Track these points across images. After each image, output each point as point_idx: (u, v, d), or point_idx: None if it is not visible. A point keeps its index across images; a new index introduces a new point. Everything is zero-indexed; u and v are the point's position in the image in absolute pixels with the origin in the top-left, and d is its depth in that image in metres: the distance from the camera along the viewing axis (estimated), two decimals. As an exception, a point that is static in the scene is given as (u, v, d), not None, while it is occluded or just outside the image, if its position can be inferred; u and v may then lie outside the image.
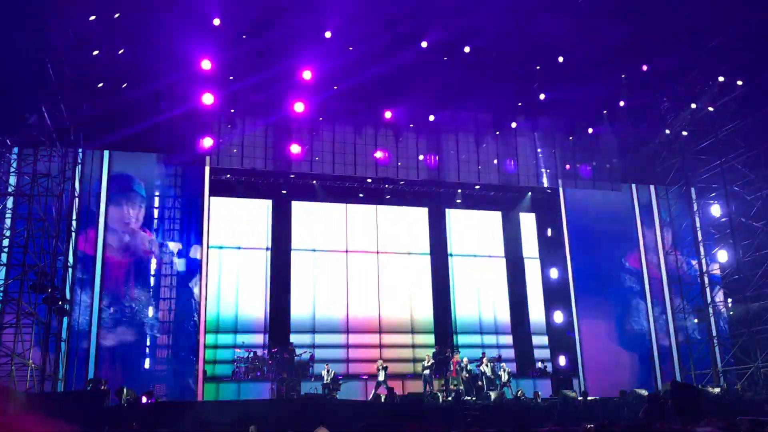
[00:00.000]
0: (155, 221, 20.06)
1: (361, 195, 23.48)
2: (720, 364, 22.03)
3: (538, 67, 21.03)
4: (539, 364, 22.98)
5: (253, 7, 18.11)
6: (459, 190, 23.85)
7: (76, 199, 17.48)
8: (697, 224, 23.35)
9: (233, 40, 18.69)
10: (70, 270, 17.97)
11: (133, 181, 20.04)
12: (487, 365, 19.63)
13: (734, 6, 19.25)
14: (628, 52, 20.55)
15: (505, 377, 19.68)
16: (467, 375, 19.46)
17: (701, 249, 23.15)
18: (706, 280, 22.74)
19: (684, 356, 22.24)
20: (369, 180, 22.73)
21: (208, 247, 20.33)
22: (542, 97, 21.84)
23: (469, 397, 18.24)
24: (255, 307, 21.96)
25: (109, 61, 18.20)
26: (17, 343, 14.97)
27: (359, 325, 22.62)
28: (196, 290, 19.74)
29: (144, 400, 16.32)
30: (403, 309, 23.20)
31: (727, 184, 21.94)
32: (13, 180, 17.26)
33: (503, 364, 20.34)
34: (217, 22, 18.02)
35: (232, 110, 20.81)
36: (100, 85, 18.41)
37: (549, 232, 24.55)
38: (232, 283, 22.02)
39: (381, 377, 18.81)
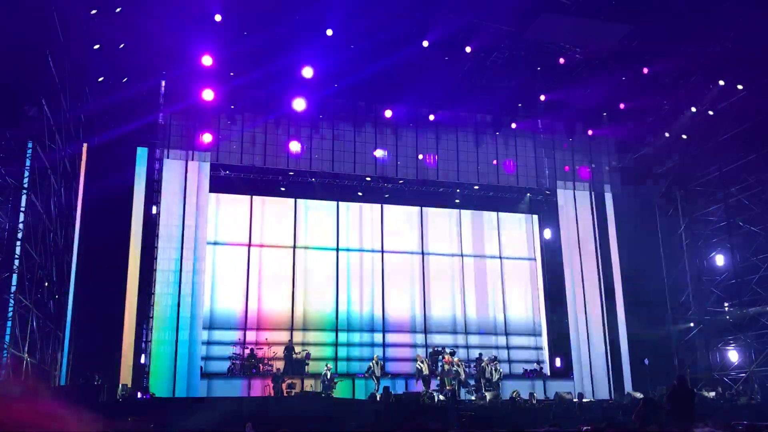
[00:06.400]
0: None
1: (360, 194, 23.44)
2: (715, 368, 22.06)
3: (538, 69, 21.00)
4: (535, 365, 23.02)
5: (255, 3, 18.04)
6: (458, 190, 23.83)
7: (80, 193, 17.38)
8: (695, 228, 23.34)
9: (234, 36, 18.62)
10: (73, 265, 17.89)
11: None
12: (486, 366, 19.61)
13: (735, 10, 19.24)
14: (628, 55, 20.51)
15: (496, 377, 19.60)
16: (462, 375, 19.44)
17: (699, 253, 23.15)
18: (702, 284, 22.75)
19: (680, 360, 22.25)
20: (368, 178, 22.72)
21: (206, 243, 20.32)
22: (542, 98, 21.86)
23: (465, 397, 18.25)
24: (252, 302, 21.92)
25: (110, 56, 18.16)
26: (13, 336, 14.89)
27: (359, 324, 22.59)
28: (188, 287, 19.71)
29: (139, 395, 16.33)
30: (403, 308, 23.16)
31: (726, 188, 21.93)
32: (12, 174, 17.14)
33: (496, 363, 20.26)
34: (218, 17, 17.94)
35: (233, 106, 20.78)
36: (101, 79, 18.36)
37: (547, 234, 24.58)
38: (231, 278, 22.00)
39: (378, 373, 18.89)
